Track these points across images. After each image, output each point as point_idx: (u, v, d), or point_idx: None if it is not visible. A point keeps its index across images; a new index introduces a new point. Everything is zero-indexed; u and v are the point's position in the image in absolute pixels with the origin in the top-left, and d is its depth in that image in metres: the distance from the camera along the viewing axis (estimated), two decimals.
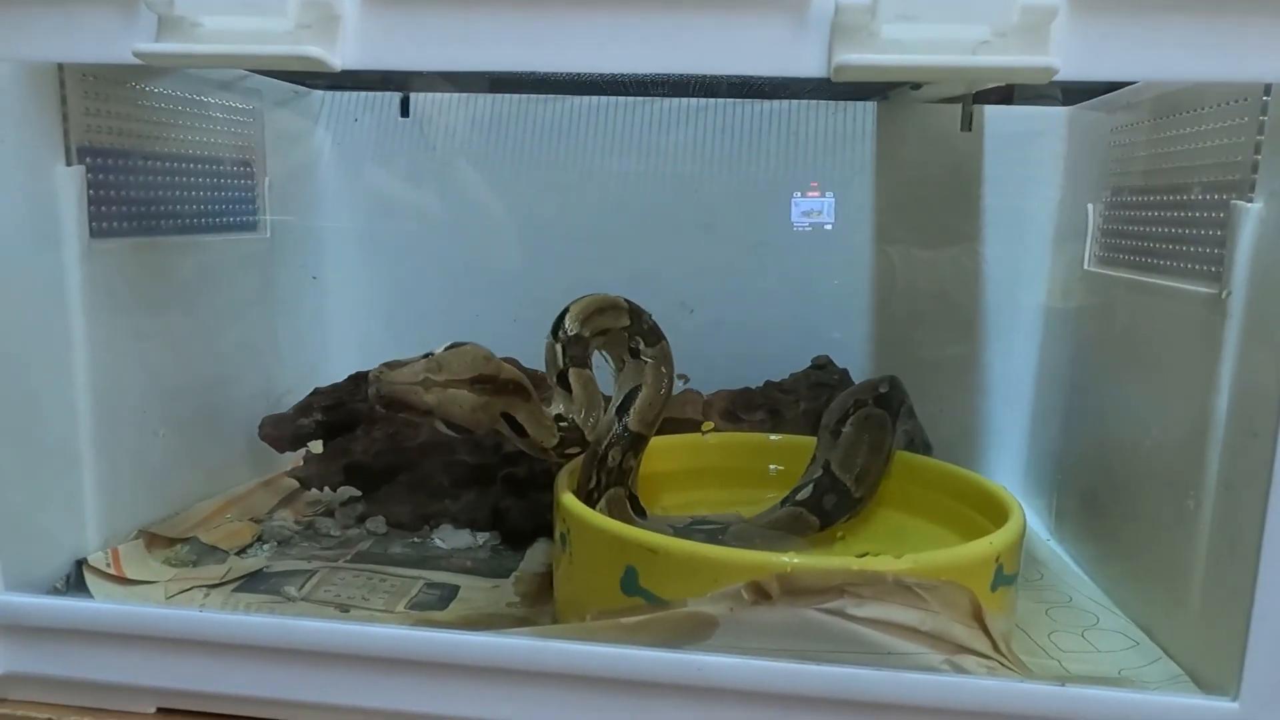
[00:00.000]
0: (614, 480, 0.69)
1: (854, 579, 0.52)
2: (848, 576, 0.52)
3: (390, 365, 0.59)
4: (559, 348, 0.67)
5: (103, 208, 0.71)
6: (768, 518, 0.70)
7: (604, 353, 0.70)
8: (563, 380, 0.67)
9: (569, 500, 0.62)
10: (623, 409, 0.70)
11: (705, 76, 0.89)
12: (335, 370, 0.92)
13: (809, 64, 0.46)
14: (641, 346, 0.70)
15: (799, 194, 1.00)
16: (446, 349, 0.62)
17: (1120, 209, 0.80)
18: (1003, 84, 0.65)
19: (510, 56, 0.48)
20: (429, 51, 0.49)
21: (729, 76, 0.84)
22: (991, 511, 0.67)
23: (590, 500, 0.67)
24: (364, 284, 1.07)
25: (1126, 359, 0.76)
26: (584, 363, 0.68)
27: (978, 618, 0.54)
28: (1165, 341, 0.69)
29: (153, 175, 0.77)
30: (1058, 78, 0.44)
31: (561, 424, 0.67)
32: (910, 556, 0.53)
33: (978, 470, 0.98)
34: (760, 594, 0.52)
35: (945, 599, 0.53)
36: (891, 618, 0.52)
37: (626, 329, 0.70)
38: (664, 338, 0.71)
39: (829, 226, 1.00)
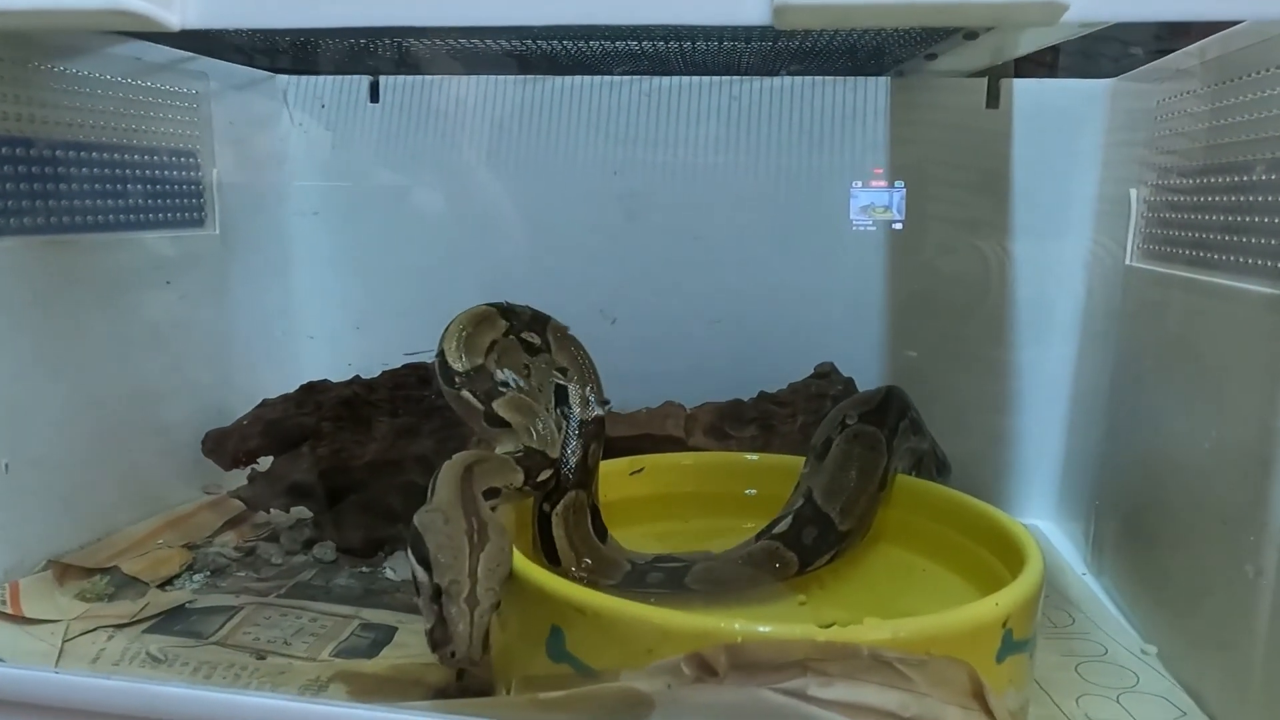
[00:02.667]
0: (576, 480, 0.60)
1: (819, 653, 0.42)
2: (811, 650, 0.42)
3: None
4: (465, 394, 0.59)
5: (7, 202, 0.64)
6: (738, 554, 0.60)
7: (503, 370, 0.62)
8: (492, 419, 0.59)
9: None
10: (561, 403, 0.62)
11: (687, 52, 0.79)
12: (305, 376, 0.84)
13: (748, 9, 0.36)
14: (535, 340, 0.64)
15: (859, 184, 0.89)
16: None
17: (1168, 194, 0.69)
18: (995, 26, 0.55)
19: (386, 10, 0.39)
20: (290, 6, 0.40)
21: (685, 41, 0.74)
22: (1007, 554, 0.56)
23: (545, 507, 0.59)
24: (333, 281, 0.98)
25: (1176, 369, 0.65)
26: (498, 390, 0.60)
27: (978, 697, 0.43)
28: (1221, 348, 0.59)
29: (67, 166, 0.70)
30: (1071, 17, 0.34)
31: (517, 454, 0.59)
32: (891, 623, 0.43)
33: (1005, 491, 0.90)
34: (704, 669, 0.43)
35: (936, 676, 0.43)
36: (865, 701, 0.42)
37: (508, 332, 0.63)
38: (549, 318, 0.65)
39: (898, 226, 0.89)
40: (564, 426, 0.62)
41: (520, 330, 0.64)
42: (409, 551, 0.50)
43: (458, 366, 0.60)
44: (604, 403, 0.64)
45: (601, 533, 0.62)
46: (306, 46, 0.87)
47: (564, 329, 0.65)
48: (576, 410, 0.63)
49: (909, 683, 0.42)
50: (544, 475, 0.58)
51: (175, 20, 0.39)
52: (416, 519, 0.51)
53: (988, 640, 0.45)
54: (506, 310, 0.64)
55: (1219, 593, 0.56)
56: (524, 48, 0.84)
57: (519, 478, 0.57)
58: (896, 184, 0.89)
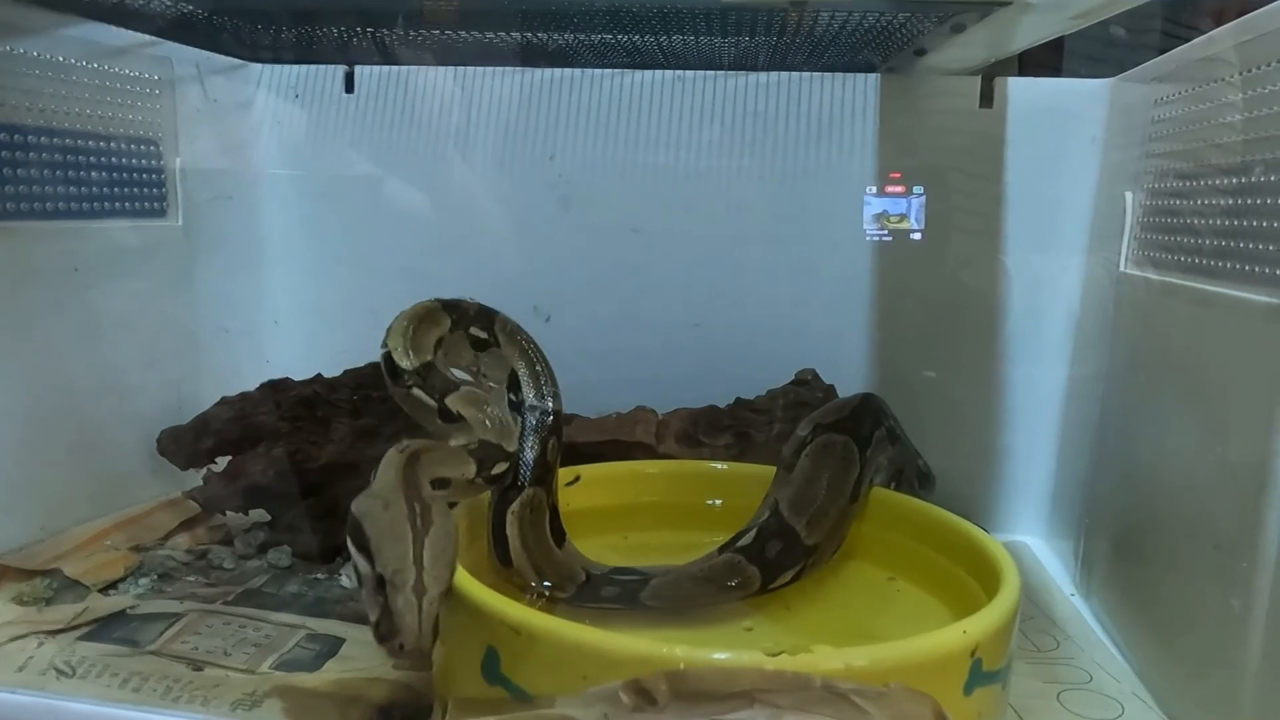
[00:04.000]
0: (534, 478, 0.58)
1: (768, 682, 0.39)
2: (760, 679, 0.39)
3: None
4: (416, 391, 0.57)
5: None
6: (698, 569, 0.57)
7: (451, 369, 0.59)
8: (446, 415, 0.57)
9: None
10: (515, 398, 0.60)
11: (664, 45, 0.75)
12: (270, 373, 0.80)
13: None
14: (483, 335, 0.62)
15: (872, 190, 0.85)
16: None
17: (1164, 198, 0.65)
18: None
19: None
20: None
21: (662, 34, 0.71)
22: (982, 574, 0.53)
23: (502, 506, 0.56)
24: (306, 275, 0.95)
25: (1170, 381, 0.62)
26: (452, 385, 0.58)
27: None
28: (1219, 361, 0.55)
29: (13, 151, 0.67)
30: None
31: (470, 446, 0.56)
32: (845, 652, 0.40)
33: (994, 506, 0.86)
34: (643, 697, 0.39)
35: (895, 710, 0.39)
36: None
37: (454, 327, 0.61)
38: (496, 312, 0.63)
39: (916, 237, 0.85)
40: (519, 422, 0.59)
41: (466, 326, 0.62)
42: (348, 541, 0.47)
43: (405, 365, 0.57)
44: (554, 397, 0.61)
45: (559, 536, 0.59)
46: (277, 33, 0.84)
47: (512, 323, 0.63)
48: (532, 405, 0.60)
49: (865, 716, 0.39)
50: (499, 469, 0.56)
51: None
52: (354, 505, 0.48)
53: (954, 671, 0.42)
54: (450, 305, 0.62)
55: (1209, 620, 0.53)
56: (501, 39, 0.81)
57: (471, 469, 0.54)
58: (915, 190, 0.85)
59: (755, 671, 0.39)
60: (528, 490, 0.57)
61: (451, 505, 0.52)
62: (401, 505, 0.47)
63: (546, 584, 0.56)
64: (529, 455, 0.58)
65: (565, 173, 0.89)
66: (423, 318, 0.60)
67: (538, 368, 0.62)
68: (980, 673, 0.43)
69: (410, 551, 0.44)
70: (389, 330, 0.59)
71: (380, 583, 0.44)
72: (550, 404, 0.61)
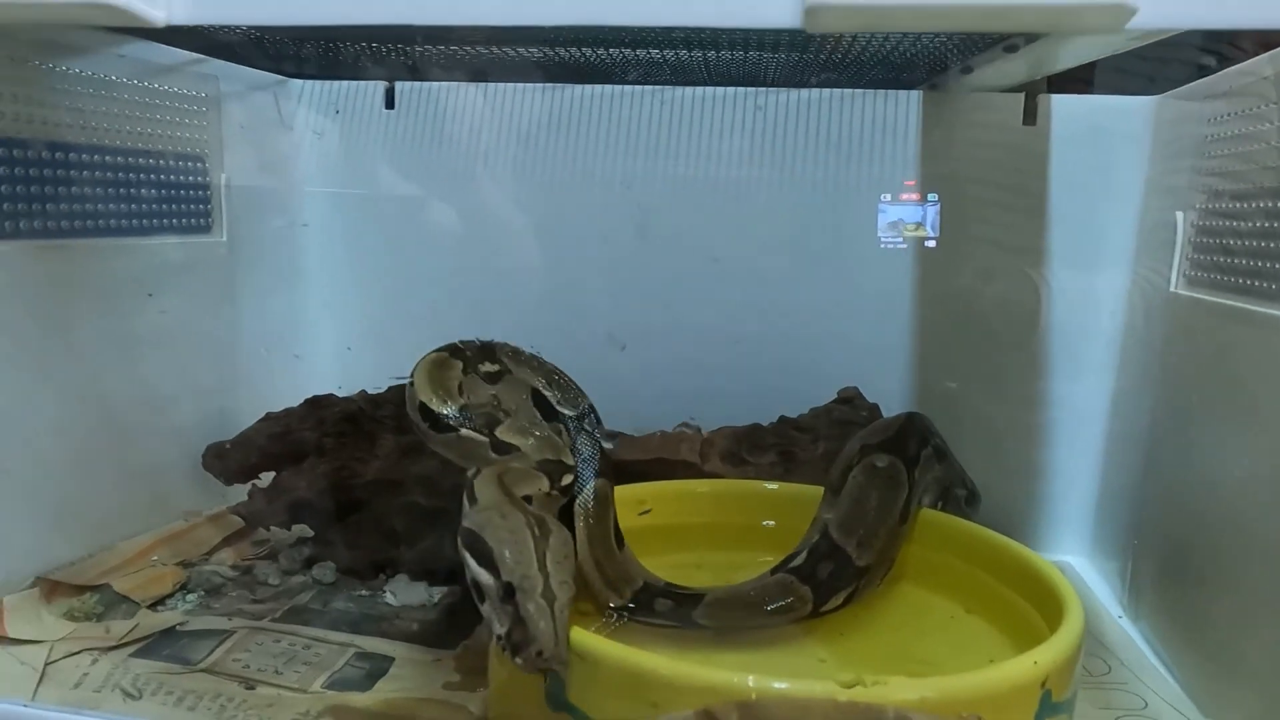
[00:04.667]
0: (597, 470, 0.59)
1: (841, 713, 0.38)
2: (833, 710, 0.38)
3: None
4: (465, 432, 0.57)
5: (3, 205, 0.62)
6: (750, 588, 0.57)
7: (472, 413, 0.59)
8: (499, 447, 0.57)
9: None
10: (546, 411, 0.61)
11: (710, 61, 0.75)
12: (315, 389, 0.81)
13: (777, 11, 0.33)
14: (492, 369, 0.63)
15: (887, 197, 0.85)
16: None
17: (1219, 218, 0.65)
18: (1050, 33, 0.51)
19: (384, 8, 0.36)
20: (279, 3, 0.37)
21: (709, 49, 0.71)
22: (1041, 600, 0.53)
23: (570, 500, 0.56)
24: (347, 291, 0.96)
25: (1225, 402, 0.61)
26: (495, 418, 0.58)
27: None
28: (1274, 384, 0.54)
29: (64, 169, 0.68)
30: (1140, 22, 0.30)
31: (536, 464, 0.56)
32: (920, 683, 0.39)
33: (1037, 525, 0.85)
34: None
35: None
36: None
37: (465, 368, 0.62)
38: (494, 343, 0.65)
39: (931, 244, 0.85)
40: (562, 431, 0.61)
41: (476, 365, 0.63)
42: (466, 556, 0.47)
43: (446, 411, 0.58)
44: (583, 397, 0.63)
45: (619, 540, 0.59)
46: (319, 50, 0.85)
47: (511, 346, 0.65)
48: (566, 410, 0.61)
49: None
50: (566, 479, 0.56)
51: (161, 16, 0.37)
52: (468, 522, 0.48)
53: (1025, 702, 0.42)
54: (454, 350, 0.63)
55: (1270, 642, 0.52)
56: (543, 55, 0.82)
57: (544, 483, 0.55)
58: (930, 197, 0.85)
59: (828, 703, 0.39)
60: (595, 482, 0.58)
61: None
62: (518, 514, 0.47)
63: (604, 585, 0.57)
64: (587, 453, 0.59)
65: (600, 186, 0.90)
66: (439, 366, 0.61)
67: (555, 376, 0.64)
68: (1049, 704, 0.43)
69: (535, 559, 0.44)
70: (414, 386, 0.59)
71: (509, 591, 0.43)
72: (582, 403, 0.62)
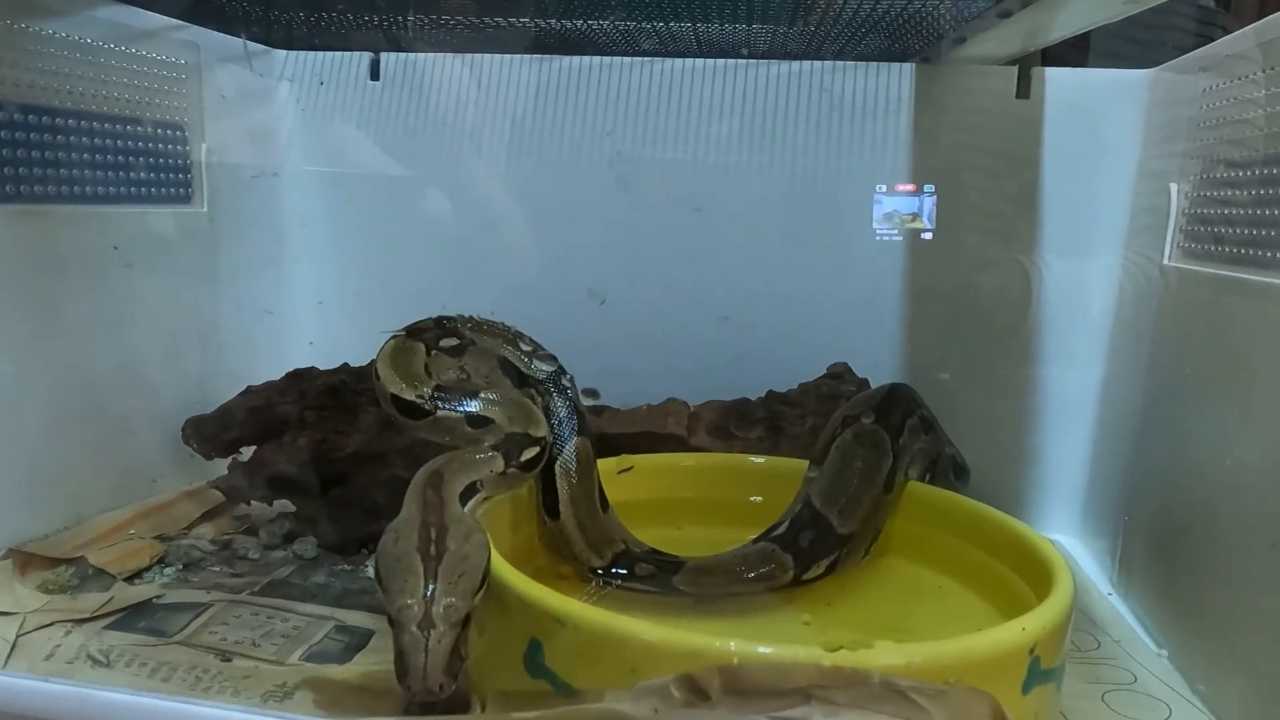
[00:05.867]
0: (575, 429, 0.58)
1: (825, 679, 0.38)
2: (817, 675, 0.38)
3: None
4: (442, 413, 0.56)
5: None
6: (731, 555, 0.56)
7: (444, 392, 0.58)
8: (474, 421, 0.56)
9: None
10: (515, 376, 0.61)
11: (700, 32, 0.74)
12: (297, 361, 0.80)
13: None
14: (454, 342, 0.62)
15: (882, 188, 0.84)
16: None
17: (1214, 188, 0.64)
18: None
19: None
20: None
21: (699, 21, 0.70)
22: (1030, 572, 0.52)
23: (551, 459, 0.56)
24: (332, 263, 0.94)
25: (1220, 376, 0.60)
26: (469, 393, 0.57)
27: None
28: (1270, 354, 0.53)
29: (40, 133, 0.66)
30: None
31: (493, 444, 0.55)
32: (907, 648, 0.39)
33: (1027, 503, 0.85)
34: (696, 692, 0.38)
35: (955, 709, 0.38)
36: None
37: (428, 348, 0.61)
38: (449, 316, 0.64)
39: (927, 237, 0.84)
40: (534, 396, 0.60)
41: (436, 342, 0.62)
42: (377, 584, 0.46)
43: (416, 396, 0.57)
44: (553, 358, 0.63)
45: (604, 503, 0.59)
46: (304, 18, 0.83)
47: (471, 318, 0.64)
48: (537, 374, 0.61)
49: (925, 715, 0.38)
50: (528, 454, 0.55)
51: None
52: (381, 544, 0.47)
53: (1013, 669, 0.41)
54: (413, 331, 0.62)
55: (1260, 615, 0.52)
56: (532, 25, 0.80)
57: (498, 463, 0.54)
58: (926, 188, 0.84)
59: (812, 668, 0.38)
60: (575, 440, 0.58)
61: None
62: (413, 535, 0.46)
63: (586, 543, 0.56)
64: (563, 413, 0.59)
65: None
66: (400, 353, 0.60)
67: (519, 341, 0.63)
68: (1038, 671, 0.42)
69: (420, 585, 0.43)
70: (380, 376, 0.58)
71: (390, 622, 0.43)
72: (550, 364, 0.62)
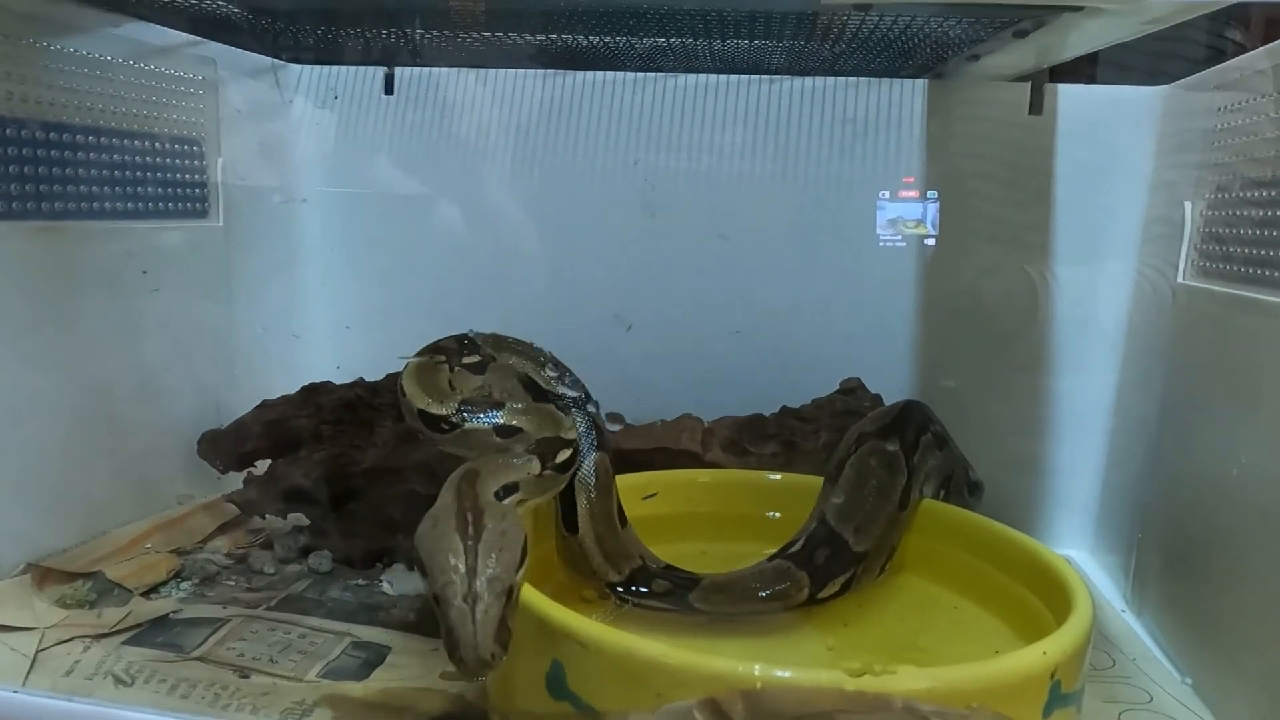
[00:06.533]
0: (595, 444, 0.59)
1: (848, 703, 0.38)
2: (839, 699, 0.38)
3: None
4: (469, 425, 0.56)
5: None
6: (748, 573, 0.56)
7: (470, 405, 0.59)
8: (503, 431, 0.56)
9: None
10: (532, 390, 0.61)
11: (715, 48, 0.75)
12: (313, 375, 0.80)
13: None
14: (475, 359, 0.63)
15: (886, 194, 0.84)
16: None
17: (1228, 208, 0.64)
18: (1072, 9, 0.50)
19: None
20: None
21: (715, 38, 0.70)
22: (1047, 592, 0.52)
23: (560, 473, 0.56)
24: (344, 279, 0.95)
25: (1232, 394, 0.60)
26: (497, 404, 0.58)
27: None
28: None
29: (59, 150, 0.66)
30: None
31: (530, 448, 0.55)
32: (930, 672, 0.39)
33: (1039, 519, 0.85)
34: (718, 715, 0.38)
35: None
36: None
37: (450, 365, 0.62)
38: (467, 334, 0.65)
39: (930, 242, 0.84)
40: (554, 400, 0.61)
41: (459, 360, 0.62)
42: (418, 571, 0.47)
43: (446, 410, 0.57)
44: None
45: (622, 517, 0.59)
46: (318, 33, 0.83)
47: (489, 335, 0.64)
48: (558, 390, 0.61)
49: None
50: (563, 455, 0.56)
51: None
52: (417, 533, 0.48)
53: (1034, 693, 0.41)
54: (436, 350, 0.63)
55: (1276, 634, 0.52)
56: (545, 41, 0.81)
57: (535, 465, 0.54)
58: (929, 194, 0.84)
59: (834, 692, 0.38)
60: (594, 455, 0.58)
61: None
62: (451, 518, 0.47)
63: (603, 559, 0.57)
64: (582, 428, 0.59)
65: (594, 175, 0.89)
66: (424, 370, 0.60)
67: (540, 357, 0.63)
68: (1059, 695, 0.42)
69: (462, 561, 0.44)
70: (406, 394, 0.58)
71: (436, 601, 0.43)
72: (570, 381, 0.62)
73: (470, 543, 0.44)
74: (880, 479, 0.61)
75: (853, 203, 0.86)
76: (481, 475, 0.51)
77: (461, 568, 0.43)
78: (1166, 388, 0.71)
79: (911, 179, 0.85)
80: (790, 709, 0.38)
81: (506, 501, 0.50)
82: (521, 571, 0.45)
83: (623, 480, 0.60)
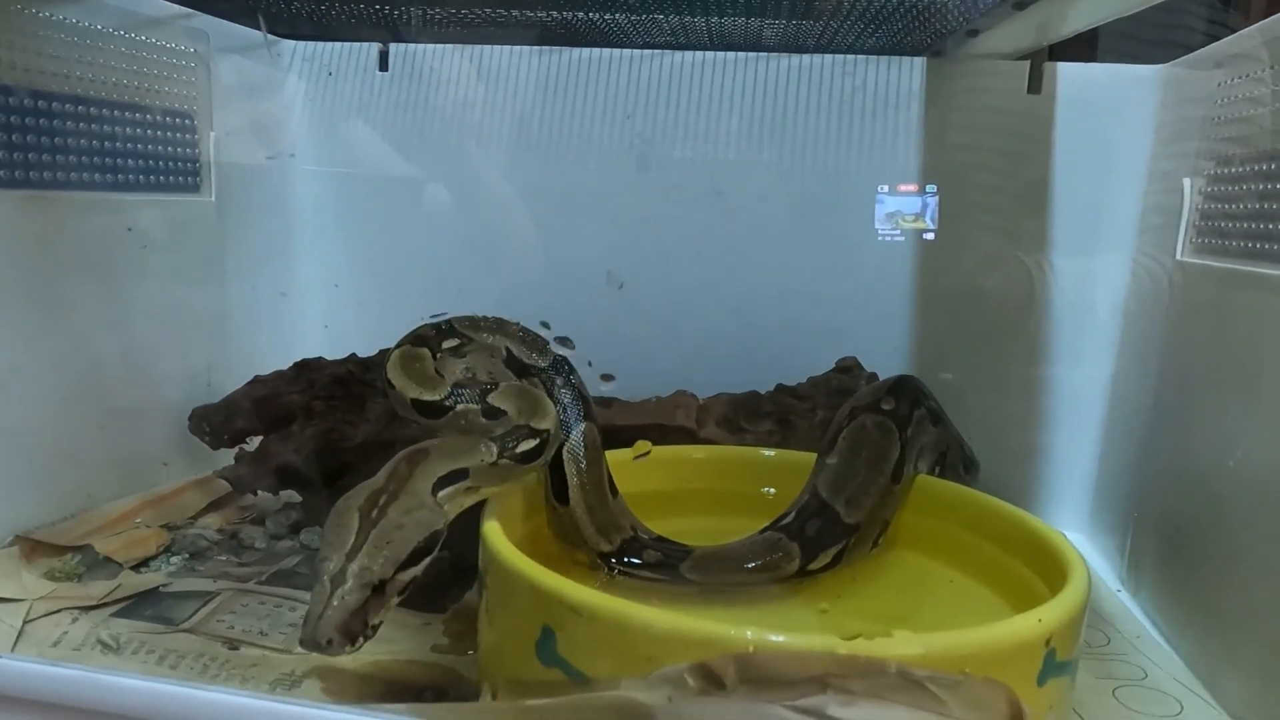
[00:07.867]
0: (580, 414, 0.59)
1: (841, 667, 0.37)
2: (832, 663, 0.37)
3: None
4: (461, 407, 0.56)
5: None
6: (739, 544, 0.56)
7: (461, 388, 0.59)
8: (490, 413, 0.56)
9: (491, 529, 0.49)
10: (514, 366, 0.61)
11: (713, 25, 0.74)
12: (304, 352, 0.79)
13: None
14: (455, 343, 0.62)
15: (885, 188, 0.84)
16: None
17: (1228, 183, 0.64)
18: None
19: None
20: None
21: (712, 15, 0.69)
22: (1043, 566, 0.51)
23: (518, 463, 0.55)
24: (336, 255, 0.94)
25: (1234, 370, 0.60)
26: (488, 386, 0.58)
27: None
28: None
29: (48, 119, 0.66)
30: None
31: (493, 434, 0.55)
32: (924, 638, 0.38)
33: (1035, 499, 0.84)
34: (711, 680, 0.38)
35: (971, 699, 0.38)
36: None
37: (433, 354, 0.61)
38: (444, 319, 0.64)
39: (930, 236, 0.84)
40: (538, 385, 0.61)
41: (439, 345, 0.62)
42: None
43: (437, 396, 0.57)
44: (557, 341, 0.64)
45: (613, 488, 0.59)
46: (311, 8, 0.83)
47: (467, 317, 0.64)
48: (538, 364, 0.61)
49: (941, 705, 0.37)
50: (525, 445, 0.55)
51: None
52: None
53: (1029, 660, 0.41)
54: (415, 339, 0.62)
55: (1271, 612, 0.51)
56: (542, 16, 0.80)
57: (490, 453, 0.53)
58: (929, 188, 0.84)
59: (827, 656, 0.37)
60: (582, 425, 0.58)
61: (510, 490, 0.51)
62: (362, 498, 0.47)
63: (594, 529, 0.56)
64: (568, 399, 0.59)
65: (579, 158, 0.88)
66: (409, 359, 0.60)
67: (518, 334, 0.63)
68: (1053, 663, 0.42)
69: (349, 542, 0.44)
70: (396, 384, 0.58)
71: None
72: (550, 354, 0.62)
73: (367, 526, 0.45)
74: (872, 451, 0.60)
75: (852, 182, 0.85)
76: (430, 457, 0.51)
77: (345, 548, 0.44)
78: (1163, 370, 0.71)
79: (913, 186, 0.84)
80: (783, 673, 0.38)
81: (447, 491, 0.50)
82: (411, 571, 0.45)
83: (618, 453, 0.60)
